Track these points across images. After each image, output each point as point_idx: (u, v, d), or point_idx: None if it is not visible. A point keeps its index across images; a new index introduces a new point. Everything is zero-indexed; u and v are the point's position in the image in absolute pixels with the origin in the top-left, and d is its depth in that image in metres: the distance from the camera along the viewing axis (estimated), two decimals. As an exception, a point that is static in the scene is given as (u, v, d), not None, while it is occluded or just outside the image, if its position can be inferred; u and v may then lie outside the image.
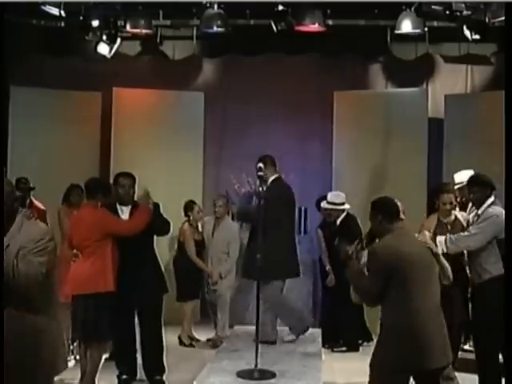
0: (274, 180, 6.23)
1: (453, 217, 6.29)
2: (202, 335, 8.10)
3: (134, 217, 5.88)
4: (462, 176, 6.41)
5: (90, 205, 5.95)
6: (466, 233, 5.72)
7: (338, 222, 7.70)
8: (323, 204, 7.80)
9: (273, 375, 5.25)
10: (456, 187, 6.54)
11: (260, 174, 5.81)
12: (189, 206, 7.90)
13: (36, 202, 7.58)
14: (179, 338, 7.83)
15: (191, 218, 7.85)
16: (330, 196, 7.78)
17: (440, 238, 5.73)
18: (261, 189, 5.73)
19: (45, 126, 8.96)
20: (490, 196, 5.71)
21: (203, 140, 9.29)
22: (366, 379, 4.40)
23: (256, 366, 5.25)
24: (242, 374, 5.24)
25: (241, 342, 6.28)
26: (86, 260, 5.68)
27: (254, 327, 5.48)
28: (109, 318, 5.66)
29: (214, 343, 7.67)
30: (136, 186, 6.02)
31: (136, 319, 6.11)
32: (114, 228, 5.77)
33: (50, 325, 3.59)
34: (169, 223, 6.15)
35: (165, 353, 6.11)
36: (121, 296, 5.75)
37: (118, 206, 5.99)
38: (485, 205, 5.69)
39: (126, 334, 5.97)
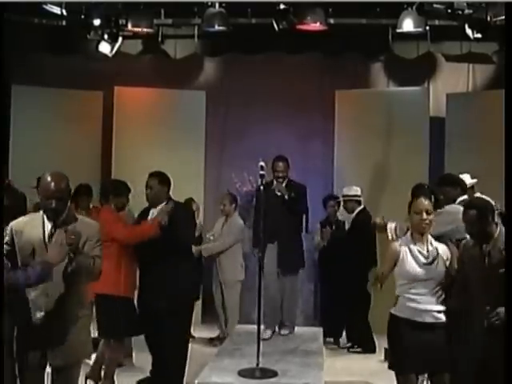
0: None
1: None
2: (204, 334, 8.11)
3: (136, 227, 5.72)
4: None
5: (106, 207, 5.96)
6: None
7: (353, 214, 7.80)
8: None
9: (274, 374, 5.26)
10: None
11: (262, 172, 5.80)
12: (188, 204, 7.94)
13: None
14: None
15: None
16: (344, 189, 7.93)
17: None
18: (262, 188, 5.75)
19: (46, 124, 8.97)
20: (460, 195, 5.80)
21: (204, 139, 9.29)
22: (368, 378, 4.41)
23: (258, 364, 5.25)
24: (243, 373, 5.24)
25: (242, 340, 6.29)
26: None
27: (256, 326, 5.49)
28: (124, 319, 5.65)
29: (219, 341, 7.68)
30: (166, 186, 5.81)
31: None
32: (112, 232, 5.57)
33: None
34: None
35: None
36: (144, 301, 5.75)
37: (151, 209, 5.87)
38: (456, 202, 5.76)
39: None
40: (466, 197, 5.84)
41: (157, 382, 5.92)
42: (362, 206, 7.84)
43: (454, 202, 5.76)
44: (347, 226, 7.99)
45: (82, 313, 4.02)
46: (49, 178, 3.89)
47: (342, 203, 8.00)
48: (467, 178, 6.52)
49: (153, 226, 5.60)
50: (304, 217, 7.11)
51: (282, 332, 6.63)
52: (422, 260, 4.45)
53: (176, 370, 5.76)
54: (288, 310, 6.71)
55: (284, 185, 6.54)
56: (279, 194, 6.52)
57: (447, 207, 5.61)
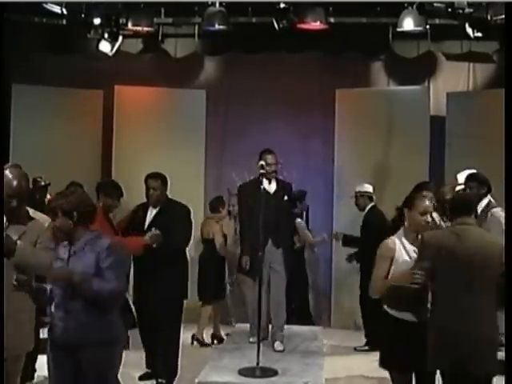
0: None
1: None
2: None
3: (122, 240, 5.67)
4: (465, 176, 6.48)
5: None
6: None
7: (365, 211, 7.86)
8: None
9: (275, 373, 5.27)
10: (460, 187, 6.58)
11: (263, 171, 5.79)
12: (222, 203, 7.97)
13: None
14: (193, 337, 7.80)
15: (220, 214, 7.90)
16: (357, 187, 7.93)
17: None
18: (262, 187, 5.72)
19: (46, 124, 8.96)
20: (485, 195, 5.80)
21: (205, 138, 9.29)
22: (368, 376, 4.40)
23: (258, 363, 5.26)
24: (243, 372, 5.26)
25: (242, 339, 6.29)
26: None
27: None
28: None
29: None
30: (166, 186, 5.99)
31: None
32: None
33: None
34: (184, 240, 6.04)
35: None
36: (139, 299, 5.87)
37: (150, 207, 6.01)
38: (482, 203, 5.75)
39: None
40: (489, 198, 5.84)
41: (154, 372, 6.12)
42: (373, 203, 7.86)
43: (479, 199, 5.79)
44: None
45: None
46: (10, 176, 3.92)
47: (354, 201, 7.98)
48: (463, 177, 6.50)
49: (138, 246, 5.69)
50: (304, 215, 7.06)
51: (276, 348, 6.10)
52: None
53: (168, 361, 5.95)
54: (275, 324, 6.24)
55: (274, 182, 6.20)
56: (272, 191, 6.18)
57: (496, 212, 5.70)
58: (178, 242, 5.90)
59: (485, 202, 5.81)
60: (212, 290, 7.75)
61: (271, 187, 6.22)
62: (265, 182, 6.10)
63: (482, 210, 5.80)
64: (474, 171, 6.16)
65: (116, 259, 3.80)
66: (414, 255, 4.33)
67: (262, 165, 5.80)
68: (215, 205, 7.96)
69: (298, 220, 8.14)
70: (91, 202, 4.01)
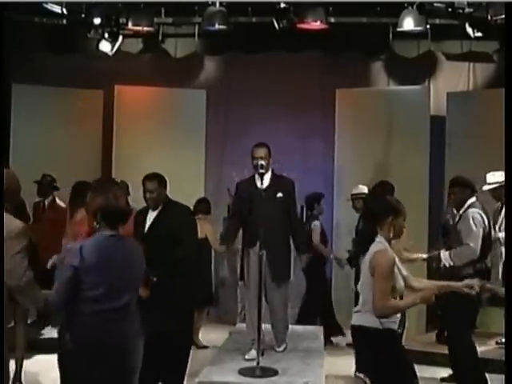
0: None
1: None
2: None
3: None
4: (497, 176, 6.56)
5: None
6: (464, 246, 5.86)
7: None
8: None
9: (275, 373, 5.27)
10: (489, 187, 6.67)
11: (262, 171, 5.75)
12: (208, 204, 7.98)
13: (58, 201, 7.67)
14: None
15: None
16: (353, 190, 7.85)
17: (445, 253, 5.95)
18: (262, 187, 5.68)
19: (46, 124, 8.97)
20: (470, 197, 5.89)
21: (205, 138, 9.29)
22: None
23: (258, 363, 5.26)
24: (244, 372, 5.25)
25: (243, 339, 6.28)
26: None
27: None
28: None
29: None
30: (165, 187, 5.52)
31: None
32: None
33: None
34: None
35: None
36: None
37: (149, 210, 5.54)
38: (465, 205, 5.93)
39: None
40: (474, 199, 5.92)
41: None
42: None
43: (463, 203, 5.97)
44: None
45: None
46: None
47: (351, 204, 7.94)
48: (493, 177, 6.53)
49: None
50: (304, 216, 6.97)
51: (276, 348, 5.97)
52: (404, 273, 4.08)
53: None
54: (276, 326, 6.01)
55: (268, 178, 5.75)
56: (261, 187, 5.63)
57: (470, 213, 5.85)
58: (187, 249, 5.38)
59: (469, 202, 5.93)
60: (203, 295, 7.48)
61: (264, 183, 5.69)
62: (257, 178, 5.66)
63: (464, 211, 5.96)
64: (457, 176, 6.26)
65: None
66: (404, 271, 4.08)
67: (261, 173, 5.66)
68: (206, 206, 7.93)
69: (314, 223, 8.07)
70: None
